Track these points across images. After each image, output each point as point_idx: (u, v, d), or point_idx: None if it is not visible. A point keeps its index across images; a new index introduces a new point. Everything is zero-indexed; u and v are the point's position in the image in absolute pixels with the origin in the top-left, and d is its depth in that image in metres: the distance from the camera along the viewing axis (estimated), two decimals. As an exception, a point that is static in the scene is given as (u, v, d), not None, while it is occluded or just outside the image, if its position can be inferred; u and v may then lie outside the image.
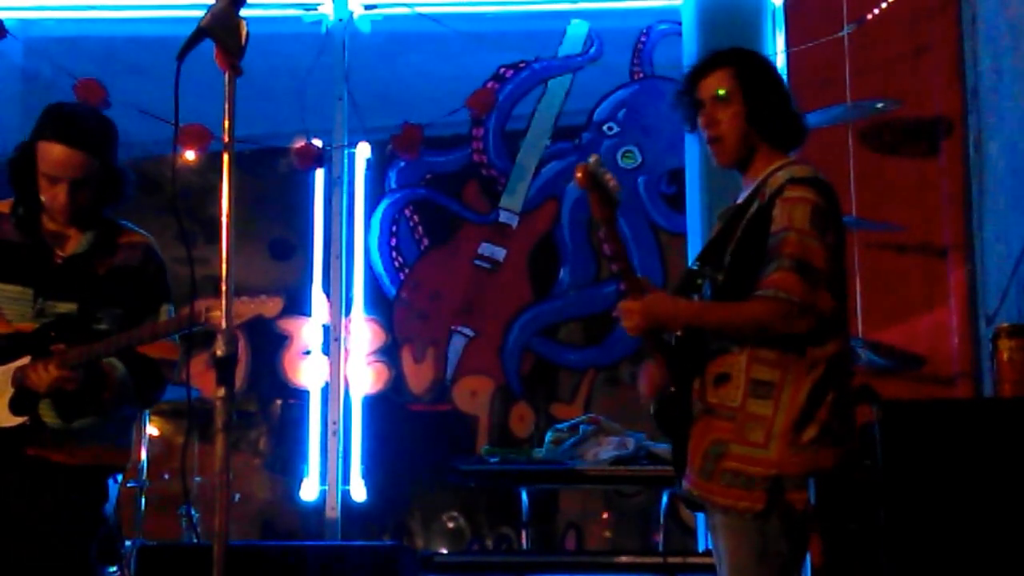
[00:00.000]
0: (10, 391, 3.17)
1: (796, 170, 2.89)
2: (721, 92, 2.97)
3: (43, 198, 3.23)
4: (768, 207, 2.84)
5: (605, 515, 6.12)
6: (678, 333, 2.95)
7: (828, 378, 2.81)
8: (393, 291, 6.22)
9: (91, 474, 3.26)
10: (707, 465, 2.85)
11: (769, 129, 2.97)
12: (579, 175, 2.78)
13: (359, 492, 5.65)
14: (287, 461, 6.03)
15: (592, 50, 6.24)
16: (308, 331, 5.91)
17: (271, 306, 3.08)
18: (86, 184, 3.22)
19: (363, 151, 5.96)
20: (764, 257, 2.81)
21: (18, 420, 3.16)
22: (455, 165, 6.35)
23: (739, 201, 3.01)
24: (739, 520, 2.80)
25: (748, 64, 3.06)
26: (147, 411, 5.14)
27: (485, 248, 6.23)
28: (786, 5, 5.62)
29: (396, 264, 6.25)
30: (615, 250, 2.89)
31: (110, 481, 3.33)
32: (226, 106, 2.35)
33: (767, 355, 2.81)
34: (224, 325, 2.30)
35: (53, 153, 3.19)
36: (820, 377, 2.80)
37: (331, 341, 5.75)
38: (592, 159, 2.80)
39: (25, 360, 3.16)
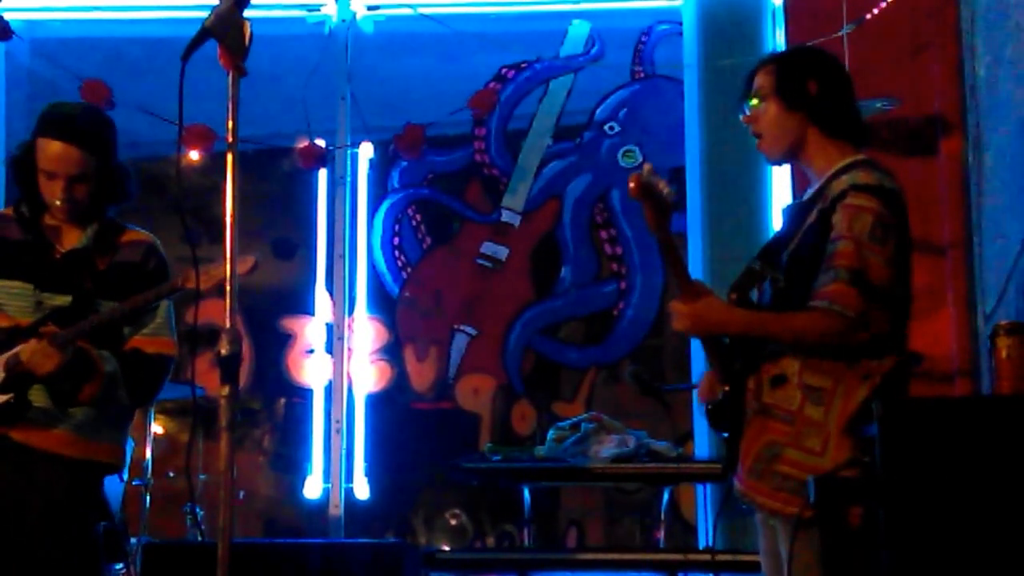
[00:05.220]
0: (1, 376, 3.19)
1: (860, 176, 2.79)
2: (755, 92, 2.95)
3: (43, 194, 3.28)
4: (829, 211, 2.76)
5: (606, 512, 6.14)
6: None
7: (882, 392, 2.74)
8: (396, 290, 6.24)
9: (82, 470, 3.24)
10: (758, 465, 2.80)
11: (814, 114, 2.89)
12: (632, 185, 2.64)
13: (362, 490, 5.68)
14: (291, 459, 6.05)
15: (593, 50, 6.26)
16: (312, 330, 5.94)
17: (242, 265, 3.08)
18: (83, 180, 3.26)
19: (366, 151, 5.99)
20: (821, 264, 2.73)
21: (3, 398, 3.17)
22: (457, 165, 6.36)
23: (806, 197, 2.92)
24: (791, 525, 2.70)
25: (791, 59, 3.05)
26: (151, 409, 5.16)
27: (487, 247, 6.24)
28: (786, 5, 5.63)
29: (399, 263, 6.27)
30: (669, 254, 2.83)
31: (107, 480, 3.33)
32: (230, 106, 2.37)
33: (819, 363, 2.76)
34: (228, 324, 2.33)
35: (50, 150, 3.24)
36: (875, 390, 2.74)
37: (334, 340, 5.78)
38: (645, 168, 2.68)
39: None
